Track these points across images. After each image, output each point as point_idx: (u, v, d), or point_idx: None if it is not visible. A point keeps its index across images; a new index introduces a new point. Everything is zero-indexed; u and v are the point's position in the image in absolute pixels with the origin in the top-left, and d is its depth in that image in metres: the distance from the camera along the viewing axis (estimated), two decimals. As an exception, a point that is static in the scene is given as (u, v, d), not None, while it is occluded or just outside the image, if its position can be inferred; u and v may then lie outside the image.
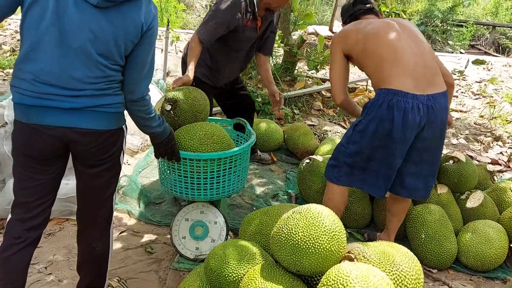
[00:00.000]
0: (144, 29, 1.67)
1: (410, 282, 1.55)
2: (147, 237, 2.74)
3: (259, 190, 3.38)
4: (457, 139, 4.52)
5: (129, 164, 3.54)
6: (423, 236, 2.55)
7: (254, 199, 3.23)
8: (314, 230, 1.48)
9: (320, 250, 1.46)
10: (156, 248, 2.64)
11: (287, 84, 5.25)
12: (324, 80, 5.48)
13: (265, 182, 3.53)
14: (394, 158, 2.24)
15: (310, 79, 5.49)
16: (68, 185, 2.90)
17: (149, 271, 2.44)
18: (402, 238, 2.79)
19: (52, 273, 2.37)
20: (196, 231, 2.43)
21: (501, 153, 4.25)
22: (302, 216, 1.52)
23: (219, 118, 3.19)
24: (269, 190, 3.40)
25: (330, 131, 4.52)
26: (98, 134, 1.72)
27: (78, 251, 1.99)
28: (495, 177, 3.17)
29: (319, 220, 1.50)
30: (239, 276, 1.82)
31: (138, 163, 3.56)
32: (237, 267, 1.83)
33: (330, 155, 3.52)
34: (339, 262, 1.55)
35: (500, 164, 4.04)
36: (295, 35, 5.74)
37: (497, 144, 4.41)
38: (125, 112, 1.84)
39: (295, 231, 1.49)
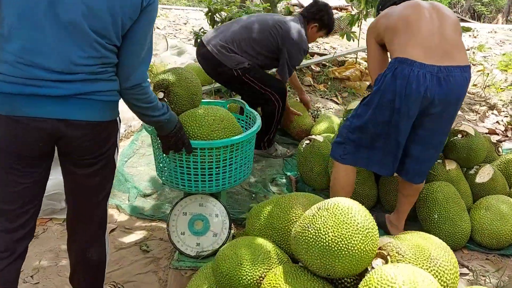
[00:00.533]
0: (144, 4, 1.44)
1: (449, 277, 1.40)
2: (140, 234, 2.53)
3: (256, 175, 3.19)
4: (452, 110, 4.40)
5: (113, 154, 3.28)
6: (436, 217, 2.42)
7: (252, 185, 3.04)
8: (346, 229, 1.29)
9: (354, 251, 1.28)
10: (152, 245, 2.44)
11: (273, 60, 5.00)
12: (312, 54, 5.25)
13: (262, 166, 3.33)
14: (399, 134, 2.10)
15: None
16: (50, 180, 2.63)
17: (147, 272, 2.24)
18: (412, 219, 2.65)
19: (40, 281, 2.14)
20: (196, 226, 2.23)
21: (497, 122, 4.16)
22: (331, 213, 1.33)
23: (211, 100, 2.96)
24: (266, 174, 3.21)
25: (323, 107, 4.33)
26: (92, 127, 1.49)
27: (70, 260, 1.77)
28: (499, 149, 3.06)
29: (351, 217, 1.31)
30: (255, 279, 1.64)
31: (123, 152, 3.30)
32: (252, 269, 1.65)
33: (329, 134, 3.37)
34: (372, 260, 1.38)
35: (497, 134, 3.95)
36: (279, 7, 5.46)
37: (492, 113, 4.32)
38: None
39: (324, 231, 1.31)
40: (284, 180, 3.15)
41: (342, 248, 1.28)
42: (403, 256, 1.38)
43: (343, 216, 1.31)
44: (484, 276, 2.22)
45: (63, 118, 1.43)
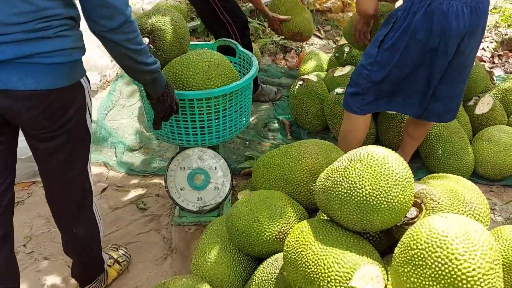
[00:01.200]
0: None
1: (484, 220, 1.34)
2: (134, 191, 2.39)
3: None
4: (437, 39, 4.28)
5: (91, 107, 3.03)
6: (440, 152, 2.37)
7: (244, 132, 2.89)
8: (384, 180, 1.18)
9: (393, 204, 1.18)
10: (149, 202, 2.31)
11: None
12: (289, -14, 4.92)
13: (251, 110, 3.16)
14: (432, 75, 1.91)
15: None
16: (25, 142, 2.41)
17: (148, 232, 2.13)
18: (413, 155, 2.60)
19: (34, 250, 2.00)
20: (196, 180, 2.10)
21: (483, 49, 4.08)
22: (365, 165, 1.21)
23: (196, 42, 2.71)
24: (257, 119, 3.06)
25: (306, 43, 4.12)
26: (40, 97, 1.25)
27: (61, 234, 1.62)
28: (494, 77, 2.99)
29: (388, 167, 1.20)
30: (274, 234, 1.55)
31: (102, 104, 3.06)
32: (270, 225, 1.56)
33: (319, 72, 3.20)
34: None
35: (485, 61, 3.88)
36: None
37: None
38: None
39: (360, 184, 1.19)
40: (277, 125, 3.01)
41: (381, 201, 1.18)
42: (438, 203, 1.30)
43: (379, 166, 1.20)
44: (493, 209, 2.23)
45: (1, 89, 1.20)
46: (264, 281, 1.49)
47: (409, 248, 1.09)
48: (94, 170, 2.50)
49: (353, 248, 1.22)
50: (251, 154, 2.61)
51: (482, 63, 3.63)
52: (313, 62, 3.35)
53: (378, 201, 1.18)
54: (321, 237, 1.27)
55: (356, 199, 1.20)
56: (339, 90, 2.63)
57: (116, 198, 2.33)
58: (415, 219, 1.29)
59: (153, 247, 2.04)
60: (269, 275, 1.49)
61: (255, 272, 1.56)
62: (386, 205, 1.18)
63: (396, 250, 1.15)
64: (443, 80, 1.95)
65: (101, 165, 2.56)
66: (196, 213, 2.13)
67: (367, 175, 1.20)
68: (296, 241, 1.32)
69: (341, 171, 1.25)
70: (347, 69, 2.90)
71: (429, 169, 2.45)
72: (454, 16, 1.77)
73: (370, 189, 1.19)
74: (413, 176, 1.26)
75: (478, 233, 1.05)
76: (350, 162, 1.25)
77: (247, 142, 2.81)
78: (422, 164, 2.55)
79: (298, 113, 2.83)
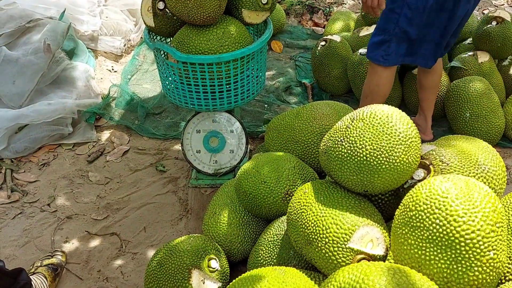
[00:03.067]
0: None
1: (498, 183, 1.27)
2: (154, 154, 2.42)
3: (268, 84, 2.98)
4: (477, -5, 3.99)
5: (115, 71, 3.08)
6: (468, 115, 2.24)
7: (263, 95, 2.85)
8: (386, 140, 1.13)
9: (396, 164, 1.14)
10: (168, 165, 2.34)
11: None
12: None
13: (273, 73, 3.12)
14: (453, 23, 1.92)
15: None
16: (51, 105, 2.49)
17: (166, 193, 2.17)
18: (439, 118, 2.49)
19: (58, 209, 2.09)
20: (212, 143, 2.10)
21: (526, 4, 3.78)
22: (367, 124, 1.16)
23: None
24: (279, 82, 3.00)
25: (335, 3, 3.96)
26: None
27: None
28: (535, 35, 2.76)
29: (391, 126, 1.14)
30: (280, 196, 1.54)
31: (125, 69, 3.08)
32: (276, 186, 1.54)
33: (346, 33, 3.08)
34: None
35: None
36: None
37: (522, -5, 3.91)
38: None
39: (360, 144, 1.15)
40: (299, 88, 2.95)
41: (382, 161, 1.13)
42: (447, 164, 1.23)
43: (382, 126, 1.15)
44: (521, 174, 2.11)
45: None
46: (270, 242, 1.49)
47: (408, 210, 1.05)
48: (117, 133, 2.55)
49: (353, 210, 1.18)
50: (270, 117, 2.57)
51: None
52: (340, 23, 3.23)
53: (379, 162, 1.13)
54: (322, 198, 1.24)
55: (356, 159, 1.16)
56: (363, 50, 2.52)
57: (136, 160, 2.38)
58: (423, 180, 1.24)
59: (170, 207, 2.08)
60: (275, 236, 1.49)
61: (262, 233, 1.56)
62: (387, 166, 1.13)
63: (397, 211, 1.11)
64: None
65: (123, 128, 2.61)
66: (212, 176, 2.15)
67: (368, 134, 1.15)
68: (298, 202, 1.30)
69: (342, 131, 1.21)
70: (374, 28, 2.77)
71: (456, 132, 2.34)
72: None
73: (370, 149, 1.14)
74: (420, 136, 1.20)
75: (481, 194, 1.00)
76: (352, 121, 1.20)
77: (266, 106, 2.77)
78: (449, 127, 2.43)
79: (320, 76, 2.75)
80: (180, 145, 2.45)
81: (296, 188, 1.55)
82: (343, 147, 1.18)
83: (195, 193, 2.14)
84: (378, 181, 1.16)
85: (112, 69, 3.05)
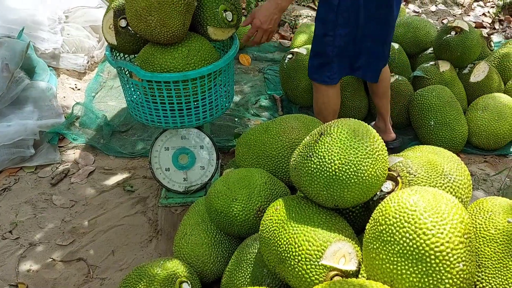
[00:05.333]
0: None
1: (464, 192, 1.29)
2: (122, 174, 2.36)
3: (237, 98, 2.97)
4: (436, 5, 4.13)
5: (78, 89, 2.99)
6: (432, 123, 2.29)
7: (233, 109, 2.84)
8: (353, 154, 1.13)
9: (364, 178, 1.14)
10: (136, 184, 2.28)
11: (241, -33, 4.54)
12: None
13: (242, 87, 3.11)
14: (388, 26, 1.99)
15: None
16: (11, 127, 2.39)
17: (135, 214, 2.10)
18: (405, 127, 2.54)
19: (20, 236, 1.99)
20: (181, 160, 2.06)
21: (483, 14, 3.93)
22: (335, 139, 1.16)
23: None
24: (248, 96, 3.00)
25: (300, 16, 4.01)
26: None
27: None
28: (491, 43, 2.88)
29: (358, 141, 1.15)
30: (252, 213, 1.52)
31: (89, 87, 3.01)
32: (248, 203, 1.52)
33: (309, 46, 3.11)
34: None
35: (485, 27, 3.75)
36: None
37: (478, 5, 4.07)
38: None
39: (329, 159, 1.14)
40: (268, 101, 2.95)
41: (351, 176, 1.13)
42: (414, 175, 1.24)
43: (349, 140, 1.15)
44: (485, 180, 2.16)
45: None
46: (243, 261, 1.46)
47: (378, 224, 1.05)
48: (82, 153, 2.47)
49: (325, 225, 1.18)
50: (240, 131, 2.56)
51: (481, 29, 3.51)
52: (305, 35, 3.25)
53: (348, 176, 1.13)
54: (293, 215, 1.23)
55: (325, 175, 1.15)
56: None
57: (103, 181, 2.31)
58: (391, 193, 1.24)
59: (139, 229, 2.02)
60: (248, 254, 1.46)
61: (235, 252, 1.53)
62: (356, 180, 1.13)
63: (367, 225, 1.11)
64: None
65: (89, 148, 2.53)
66: (183, 194, 2.10)
67: (336, 149, 1.15)
68: (270, 219, 1.28)
69: (311, 146, 1.20)
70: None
71: (422, 140, 2.39)
72: None
73: (339, 163, 1.14)
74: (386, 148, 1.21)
75: (449, 206, 1.00)
76: (320, 136, 1.19)
77: (236, 120, 2.75)
78: (415, 135, 2.48)
79: (289, 88, 2.77)
80: (148, 163, 2.40)
81: (268, 204, 1.53)
82: (312, 162, 1.18)
83: (165, 212, 2.09)
84: (348, 196, 1.16)
85: (76, 87, 2.97)
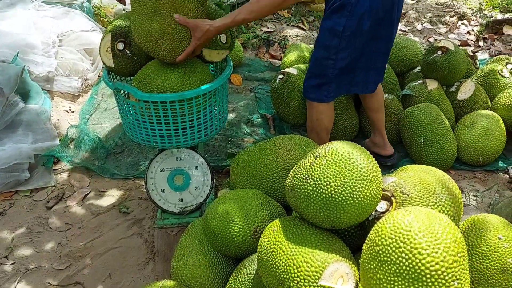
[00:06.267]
0: None
1: (456, 210, 1.33)
2: (117, 195, 2.37)
3: (229, 117, 3.01)
4: (422, 24, 4.25)
5: (73, 112, 3.01)
6: (422, 141, 2.35)
7: (226, 129, 2.88)
8: (348, 176, 1.17)
9: (359, 199, 1.17)
10: (132, 206, 2.29)
11: (231, -12, 4.63)
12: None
13: (234, 106, 3.15)
14: (388, 47, 2.08)
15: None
16: (6, 151, 2.40)
17: (131, 236, 2.11)
18: (395, 144, 2.59)
19: (16, 261, 1.98)
20: (176, 181, 2.09)
21: (468, 32, 4.05)
22: (330, 161, 1.20)
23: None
24: (240, 115, 3.04)
25: (289, 36, 4.09)
26: None
27: None
28: (476, 61, 2.97)
29: (352, 163, 1.18)
30: (249, 234, 1.54)
31: (83, 109, 3.03)
32: (245, 225, 1.54)
33: (300, 65, 3.17)
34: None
35: (469, 45, 3.86)
36: None
37: (462, 24, 4.19)
38: None
39: (325, 181, 1.18)
40: (260, 120, 3.00)
41: (347, 197, 1.16)
42: (408, 195, 1.28)
43: (344, 162, 1.18)
44: (476, 195, 2.21)
45: None
46: (241, 283, 1.48)
47: (374, 244, 1.08)
48: (77, 176, 2.48)
49: (322, 246, 1.20)
50: (234, 151, 2.59)
51: (467, 47, 3.61)
52: (295, 54, 3.32)
53: (344, 198, 1.17)
54: (291, 236, 1.25)
55: (321, 196, 1.18)
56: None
57: (98, 203, 2.31)
58: (386, 213, 1.28)
59: (135, 251, 2.02)
60: (246, 276, 1.48)
61: (233, 273, 1.55)
62: (352, 201, 1.17)
63: (364, 246, 1.14)
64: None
65: (84, 171, 2.54)
66: (178, 215, 2.12)
67: (331, 171, 1.18)
68: (268, 241, 1.31)
69: (307, 168, 1.24)
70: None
71: (412, 157, 2.44)
72: None
73: (335, 185, 1.17)
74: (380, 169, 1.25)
75: (442, 225, 1.04)
76: (316, 159, 1.23)
77: (229, 139, 2.79)
78: (406, 152, 2.53)
79: (280, 107, 2.81)
80: (143, 184, 2.42)
81: (265, 224, 1.55)
82: (308, 184, 1.21)
83: (162, 233, 2.10)
84: (344, 217, 1.19)
85: (70, 109, 2.99)
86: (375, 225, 1.13)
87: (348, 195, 1.16)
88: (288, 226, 1.30)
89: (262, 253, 1.30)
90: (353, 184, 1.16)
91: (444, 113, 2.50)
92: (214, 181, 2.17)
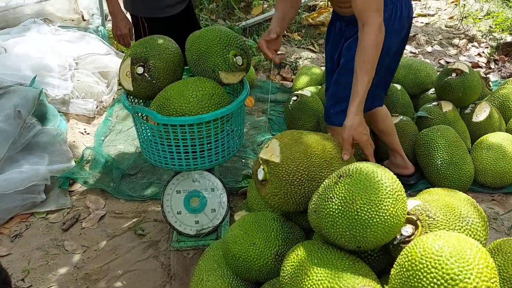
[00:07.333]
0: None
1: (482, 234, 1.31)
2: (132, 217, 2.36)
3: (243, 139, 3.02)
4: (432, 46, 4.28)
5: (88, 134, 3.04)
6: (439, 163, 2.33)
7: (241, 151, 2.88)
8: (374, 194, 1.16)
9: (386, 217, 1.16)
10: (147, 228, 2.28)
11: (243, 11, 4.71)
12: (281, 2, 4.96)
13: (247, 128, 3.16)
14: (400, 57, 2.10)
15: (266, 2, 4.95)
16: (23, 173, 2.41)
17: (147, 259, 2.10)
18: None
19: (32, 284, 1.97)
20: (192, 203, 2.08)
21: (478, 54, 4.07)
22: (355, 180, 1.19)
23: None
24: (253, 137, 3.05)
25: (300, 58, 4.13)
26: None
27: None
28: (490, 83, 2.97)
29: (378, 181, 1.18)
30: (271, 257, 1.52)
31: (98, 131, 3.06)
32: (266, 247, 1.53)
33: (312, 87, 3.20)
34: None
35: (481, 67, 3.87)
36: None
37: (472, 46, 4.22)
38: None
39: (350, 199, 1.17)
40: (274, 141, 2.99)
41: (373, 215, 1.16)
42: (434, 219, 1.27)
43: (369, 181, 1.18)
44: (495, 218, 2.19)
45: None
46: (262, 307, 1.46)
47: (404, 269, 1.06)
48: (92, 198, 2.48)
49: (348, 270, 1.19)
50: (248, 173, 2.59)
51: (478, 69, 3.62)
52: (306, 77, 3.35)
53: (370, 215, 1.16)
54: (316, 260, 1.24)
55: (347, 215, 1.18)
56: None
57: (114, 225, 2.31)
58: (412, 237, 1.27)
59: (152, 274, 2.01)
60: (267, 300, 1.46)
61: (253, 297, 1.53)
62: (378, 219, 1.16)
63: (392, 271, 1.12)
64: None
65: (99, 192, 2.54)
66: (194, 237, 2.11)
67: (357, 189, 1.18)
68: (292, 266, 1.29)
69: (331, 188, 1.23)
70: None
71: (429, 180, 2.42)
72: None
73: (360, 203, 1.17)
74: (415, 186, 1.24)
75: (474, 250, 1.03)
76: (340, 178, 1.23)
77: (243, 160, 2.79)
78: (422, 174, 2.52)
79: (294, 129, 2.81)
80: (159, 206, 2.42)
81: (286, 247, 1.54)
82: (333, 203, 1.20)
83: (178, 256, 2.09)
84: (371, 235, 1.18)
85: (85, 131, 3.02)
86: (404, 249, 1.11)
87: (375, 213, 1.16)
88: (312, 250, 1.29)
89: (285, 277, 1.29)
90: (379, 202, 1.16)
91: (460, 134, 2.49)
92: (230, 203, 2.16)
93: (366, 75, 1.62)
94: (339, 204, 1.20)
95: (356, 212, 1.18)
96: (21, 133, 2.52)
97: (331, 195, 1.23)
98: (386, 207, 1.17)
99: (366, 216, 1.17)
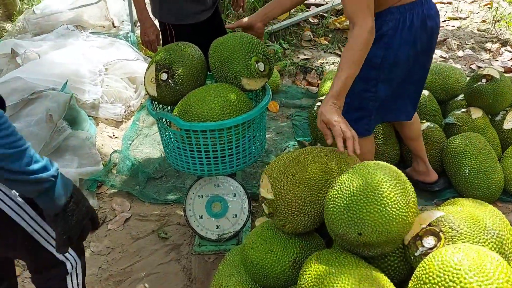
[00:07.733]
0: None
1: (508, 247, 1.26)
2: (156, 220, 2.40)
3: (266, 144, 3.03)
4: (463, 50, 4.17)
5: (116, 137, 3.11)
6: (467, 171, 2.27)
7: (264, 156, 2.88)
8: (371, 178, 1.25)
9: (382, 198, 1.21)
10: (170, 231, 2.32)
11: (269, 17, 4.72)
12: (308, 6, 4.95)
13: (271, 133, 3.17)
14: (425, 70, 2.06)
15: (293, 7, 4.94)
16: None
17: (169, 261, 2.13)
18: (438, 174, 2.51)
19: None
20: (214, 208, 2.10)
21: (511, 59, 3.94)
22: (356, 169, 1.30)
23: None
24: (277, 142, 3.05)
25: (326, 62, 4.11)
26: None
27: None
28: (523, 89, 2.86)
29: (377, 168, 1.27)
30: (289, 264, 1.52)
31: (126, 135, 3.13)
32: (284, 254, 1.52)
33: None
34: (422, 237, 1.24)
35: (513, 72, 3.74)
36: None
37: (505, 50, 4.08)
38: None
39: (349, 183, 1.27)
40: (297, 147, 2.99)
41: (368, 195, 1.22)
42: (457, 231, 1.23)
43: (368, 168, 1.29)
44: (526, 230, 2.10)
45: None
46: (280, 314, 1.45)
47: (422, 282, 1.04)
48: (118, 200, 2.54)
49: (366, 281, 1.17)
50: (271, 179, 2.58)
51: (510, 74, 3.50)
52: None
53: (365, 195, 1.21)
54: (333, 270, 1.23)
55: (345, 197, 1.25)
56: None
57: (138, 228, 2.36)
58: (434, 249, 1.23)
59: (173, 277, 2.04)
60: (285, 308, 1.45)
61: (271, 305, 1.52)
62: (373, 199, 1.20)
63: (410, 283, 1.10)
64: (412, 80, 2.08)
65: (125, 195, 2.60)
66: (216, 242, 2.12)
67: (355, 176, 1.27)
68: (309, 274, 1.28)
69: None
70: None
71: (456, 188, 2.35)
72: (434, 12, 1.92)
73: (357, 185, 1.24)
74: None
75: (494, 264, 0.99)
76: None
77: (266, 166, 2.78)
78: (449, 183, 2.45)
79: (318, 134, 2.80)
80: (182, 210, 2.45)
81: (304, 255, 1.53)
82: (334, 190, 1.29)
83: (199, 260, 2.11)
84: (368, 217, 1.20)
85: (113, 135, 3.10)
86: (422, 262, 1.09)
87: (370, 193, 1.21)
88: (330, 259, 1.27)
89: (303, 286, 1.28)
90: (376, 185, 1.22)
91: (490, 142, 2.42)
92: (251, 208, 2.17)
93: (345, 72, 1.64)
94: (338, 189, 1.27)
95: (352, 193, 1.22)
96: (52, 136, 2.61)
97: (334, 185, 1.30)
98: (383, 189, 1.21)
99: (361, 196, 1.20)
